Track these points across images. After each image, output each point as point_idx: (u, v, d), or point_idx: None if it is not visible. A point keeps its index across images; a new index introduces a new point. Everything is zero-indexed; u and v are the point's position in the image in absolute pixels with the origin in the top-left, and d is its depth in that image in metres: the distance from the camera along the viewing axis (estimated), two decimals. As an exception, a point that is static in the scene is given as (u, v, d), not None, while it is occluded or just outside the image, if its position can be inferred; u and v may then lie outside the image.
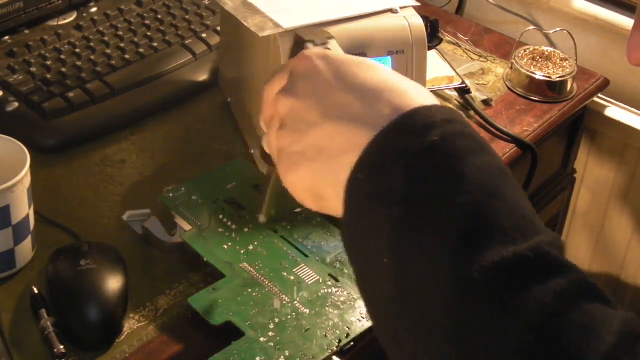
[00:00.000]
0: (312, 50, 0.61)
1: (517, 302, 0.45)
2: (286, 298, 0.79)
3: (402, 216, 0.49)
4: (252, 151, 0.98)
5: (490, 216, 0.48)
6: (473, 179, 0.49)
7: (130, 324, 0.79)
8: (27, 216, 0.81)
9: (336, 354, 0.75)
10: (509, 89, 1.16)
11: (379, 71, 0.57)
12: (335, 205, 0.55)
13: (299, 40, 0.64)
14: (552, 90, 1.14)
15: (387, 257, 0.50)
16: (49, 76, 1.03)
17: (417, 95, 0.55)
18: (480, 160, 0.50)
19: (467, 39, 1.24)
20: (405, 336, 0.49)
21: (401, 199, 0.50)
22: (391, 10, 0.91)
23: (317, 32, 0.64)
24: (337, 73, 0.57)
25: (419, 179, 0.50)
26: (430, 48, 0.94)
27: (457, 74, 1.10)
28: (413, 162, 0.50)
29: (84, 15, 1.14)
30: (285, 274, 0.81)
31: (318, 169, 0.56)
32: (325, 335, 0.75)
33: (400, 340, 0.50)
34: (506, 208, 0.49)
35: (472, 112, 1.10)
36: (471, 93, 1.10)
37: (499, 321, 0.46)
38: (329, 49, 0.64)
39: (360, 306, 0.79)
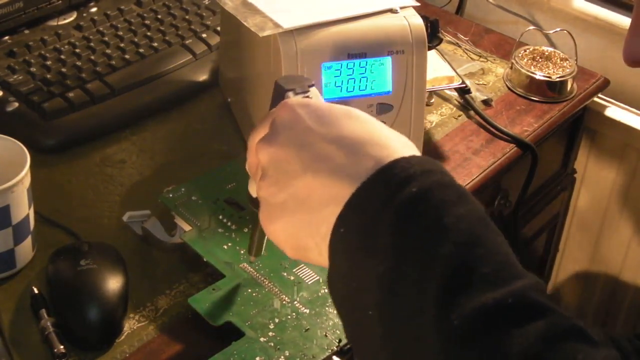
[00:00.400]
0: (293, 99, 0.62)
1: (498, 348, 0.46)
2: (286, 298, 0.79)
3: (386, 271, 0.50)
4: (252, 151, 0.98)
5: (471, 264, 0.49)
6: (453, 229, 0.50)
7: (130, 324, 0.79)
8: (27, 216, 0.81)
9: (336, 353, 0.75)
10: (509, 89, 1.16)
11: (361, 122, 0.57)
12: (315, 256, 0.56)
13: (279, 88, 0.64)
14: (552, 90, 1.14)
15: (372, 310, 0.51)
16: (49, 76, 1.03)
17: (397, 147, 0.55)
18: (460, 209, 0.51)
19: (467, 39, 1.24)
20: None
21: (384, 254, 0.50)
22: (391, 10, 0.91)
23: (298, 79, 0.65)
24: (319, 122, 0.57)
25: (401, 232, 0.50)
26: (430, 48, 0.94)
27: (457, 74, 1.10)
28: (394, 216, 0.51)
29: (84, 15, 1.14)
30: (285, 274, 0.81)
31: (299, 221, 0.56)
32: (325, 335, 0.75)
33: None
34: (486, 255, 0.49)
35: (472, 112, 1.10)
36: (471, 93, 1.10)
37: None
38: (309, 97, 0.64)
39: (360, 306, 0.79)
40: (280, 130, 0.59)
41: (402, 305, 0.49)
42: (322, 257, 0.55)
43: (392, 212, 0.51)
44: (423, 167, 0.53)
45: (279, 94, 0.65)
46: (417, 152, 0.55)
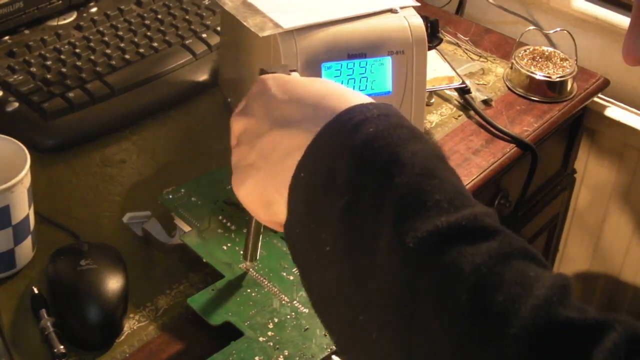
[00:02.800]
0: (266, 75, 0.65)
1: (451, 266, 0.47)
2: (285, 298, 0.79)
3: (344, 205, 0.52)
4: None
5: (425, 192, 0.51)
6: (408, 163, 0.52)
7: (130, 324, 0.79)
8: (27, 216, 0.81)
9: (335, 353, 0.75)
10: (509, 89, 1.16)
11: (322, 82, 0.61)
12: (282, 210, 0.58)
13: (263, 72, 0.67)
14: (552, 90, 1.14)
15: (330, 246, 0.53)
16: (49, 76, 1.03)
17: (354, 97, 0.58)
18: (415, 147, 0.53)
19: (467, 39, 1.24)
20: (352, 314, 0.51)
21: (342, 190, 0.53)
22: (391, 10, 0.91)
23: (281, 66, 0.67)
24: (283, 89, 0.61)
25: (358, 168, 0.53)
26: (430, 48, 0.94)
27: (457, 74, 1.10)
28: (351, 154, 0.53)
29: (84, 15, 1.14)
30: (284, 273, 0.81)
31: (265, 176, 0.59)
32: (325, 335, 0.75)
33: (349, 321, 0.52)
34: (440, 185, 0.51)
35: (472, 112, 1.10)
36: (471, 93, 1.10)
37: (435, 284, 0.47)
38: None
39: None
40: (251, 102, 0.63)
41: (359, 235, 0.51)
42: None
43: (349, 151, 0.53)
44: (380, 110, 0.55)
45: None
46: (374, 102, 0.58)
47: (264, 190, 0.59)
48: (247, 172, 0.60)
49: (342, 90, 0.59)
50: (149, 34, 1.11)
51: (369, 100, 0.58)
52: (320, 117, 0.56)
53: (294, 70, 0.67)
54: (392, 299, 0.49)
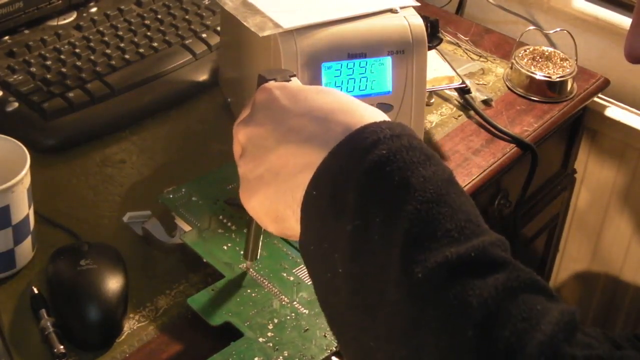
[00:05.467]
0: (271, 83, 0.64)
1: (458, 299, 0.47)
2: (285, 298, 0.79)
3: (354, 229, 0.52)
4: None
5: (435, 221, 0.50)
6: (419, 188, 0.51)
7: (130, 324, 0.79)
8: (27, 216, 0.81)
9: (335, 354, 0.75)
10: (509, 89, 1.16)
11: (331, 95, 0.60)
12: (293, 226, 0.58)
13: (262, 79, 0.66)
14: (552, 90, 1.14)
15: (341, 268, 0.52)
16: (49, 76, 1.03)
17: (366, 113, 0.57)
18: (426, 170, 0.52)
19: (467, 39, 1.24)
20: (363, 339, 0.51)
21: (353, 213, 0.52)
22: (391, 10, 0.91)
23: (280, 71, 0.67)
24: (292, 100, 0.60)
25: (369, 192, 0.52)
26: (430, 48, 0.94)
27: (457, 74, 1.10)
28: (362, 177, 0.52)
29: (84, 15, 1.14)
30: (284, 274, 0.81)
31: (275, 192, 0.58)
32: (325, 336, 0.76)
33: (360, 345, 0.52)
34: (450, 213, 0.51)
35: (472, 112, 1.10)
36: (471, 93, 1.10)
37: (442, 318, 0.47)
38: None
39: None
40: (257, 110, 0.62)
41: (368, 261, 0.51)
42: (299, 225, 0.57)
43: (360, 173, 0.52)
44: (392, 131, 0.54)
45: (262, 84, 0.66)
46: (387, 119, 0.57)
47: (275, 205, 0.59)
48: (256, 185, 0.60)
49: (353, 104, 0.58)
50: (149, 34, 1.11)
51: (381, 115, 0.57)
52: (331, 135, 0.56)
53: (294, 75, 0.66)
54: (399, 332, 0.48)
